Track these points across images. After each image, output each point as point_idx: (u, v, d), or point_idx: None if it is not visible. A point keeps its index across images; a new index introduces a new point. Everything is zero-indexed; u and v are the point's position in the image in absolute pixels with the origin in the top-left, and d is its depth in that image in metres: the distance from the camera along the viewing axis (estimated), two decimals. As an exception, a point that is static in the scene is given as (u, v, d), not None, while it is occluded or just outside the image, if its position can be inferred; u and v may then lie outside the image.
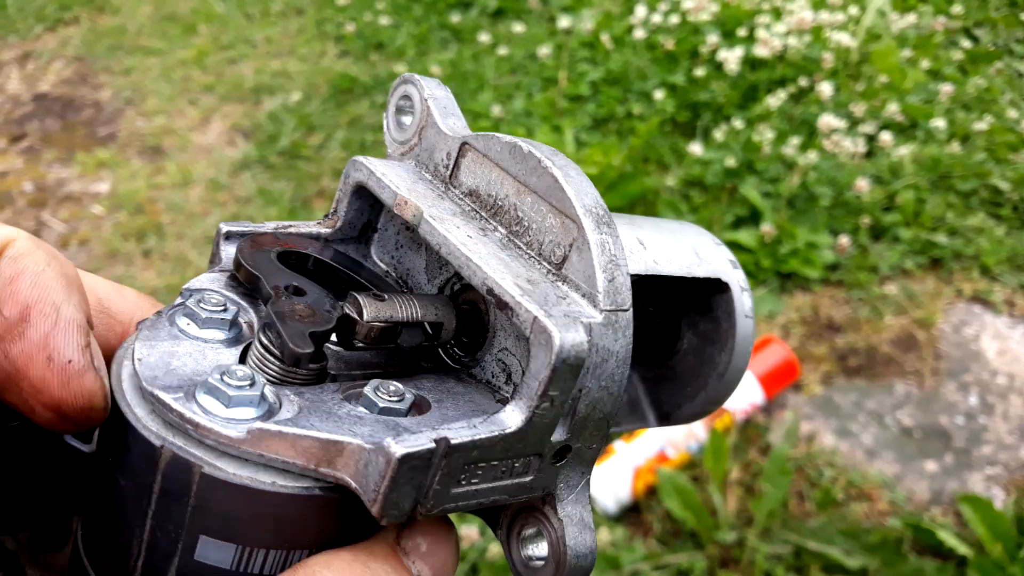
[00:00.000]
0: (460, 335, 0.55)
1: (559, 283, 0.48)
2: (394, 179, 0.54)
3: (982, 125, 3.16)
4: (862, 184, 2.88)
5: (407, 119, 0.59)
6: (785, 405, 2.37)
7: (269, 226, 0.57)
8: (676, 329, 0.60)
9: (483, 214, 0.54)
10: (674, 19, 3.81)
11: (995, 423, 2.31)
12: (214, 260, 0.56)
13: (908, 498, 2.15)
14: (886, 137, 3.10)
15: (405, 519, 0.43)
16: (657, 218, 0.62)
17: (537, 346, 0.43)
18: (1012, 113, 3.25)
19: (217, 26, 4.71)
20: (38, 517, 0.52)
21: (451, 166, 0.56)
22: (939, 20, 3.85)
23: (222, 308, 0.50)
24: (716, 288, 0.59)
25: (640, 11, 3.88)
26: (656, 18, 3.85)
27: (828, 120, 3.10)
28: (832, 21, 3.62)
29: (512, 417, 0.44)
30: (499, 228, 0.52)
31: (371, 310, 0.50)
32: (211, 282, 0.53)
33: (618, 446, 2.17)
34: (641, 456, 2.14)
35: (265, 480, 0.43)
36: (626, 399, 0.60)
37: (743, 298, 0.59)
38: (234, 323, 0.50)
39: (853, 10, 3.77)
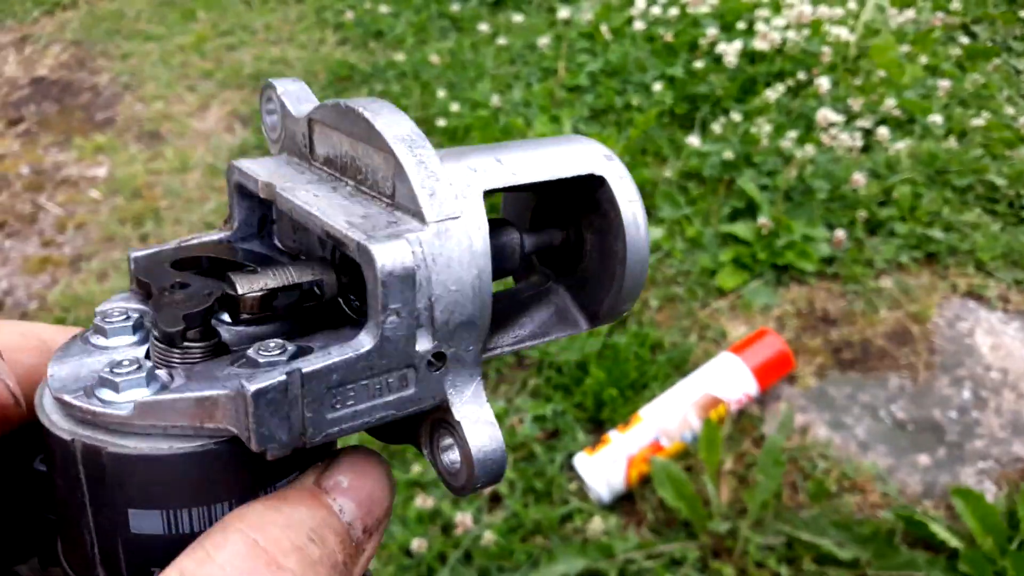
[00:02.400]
0: (353, 288, 0.58)
1: (394, 211, 0.51)
2: (257, 169, 0.59)
3: (979, 121, 3.17)
4: (859, 178, 2.89)
5: (272, 118, 0.64)
6: (779, 397, 2.38)
7: (172, 243, 0.61)
8: (578, 234, 0.63)
9: (337, 175, 0.58)
10: (673, 11, 3.81)
11: (988, 418, 2.32)
12: (132, 282, 0.60)
13: (900, 491, 2.16)
14: (883, 132, 3.11)
15: (290, 450, 0.46)
16: (536, 139, 0.65)
17: (365, 266, 0.46)
18: (1009, 110, 3.26)
19: (216, 12, 4.70)
20: (34, 542, 0.58)
21: (307, 143, 0.61)
22: (937, 16, 3.86)
23: (124, 317, 0.54)
24: (597, 183, 0.61)
25: (639, 3, 3.88)
26: (655, 10, 3.85)
27: (826, 114, 3.10)
28: (831, 15, 3.62)
29: (365, 338, 0.48)
30: (348, 182, 0.56)
31: (244, 284, 0.53)
32: (118, 301, 0.58)
33: (612, 435, 2.18)
34: (635, 445, 2.15)
35: (163, 447, 0.47)
36: (554, 309, 0.64)
37: (622, 185, 0.61)
38: (138, 326, 0.54)
39: (852, 5, 3.77)
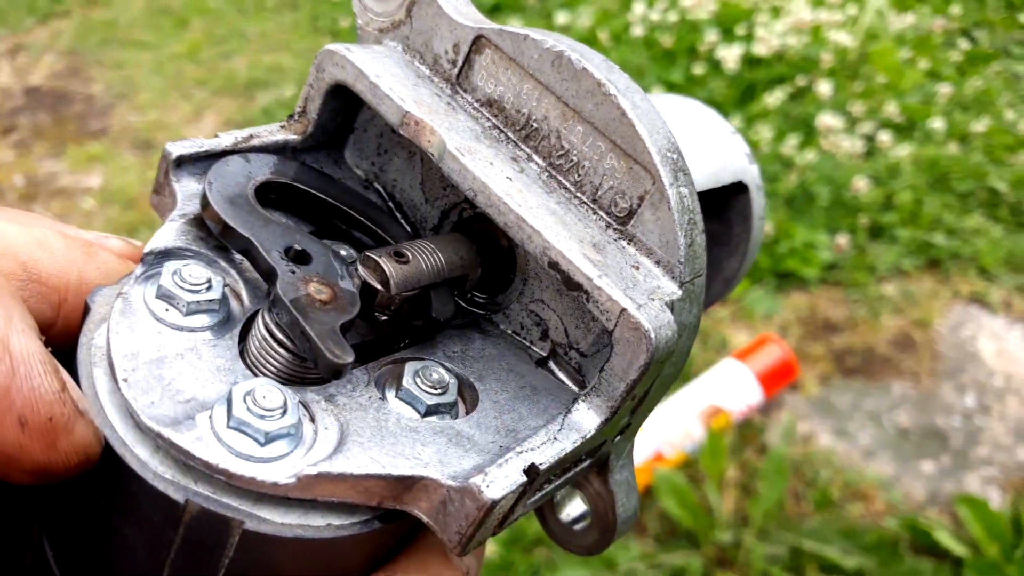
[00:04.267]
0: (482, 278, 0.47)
1: (626, 244, 0.40)
2: (393, 85, 0.42)
3: (980, 126, 3.15)
4: (860, 184, 2.87)
5: None
6: (782, 405, 2.36)
7: (226, 140, 0.45)
8: None
9: (509, 134, 0.43)
10: (672, 16, 3.80)
11: (992, 424, 2.30)
12: (162, 192, 0.44)
13: (905, 498, 2.14)
14: (884, 137, 3.09)
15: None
16: (665, 101, 0.53)
17: (625, 344, 0.37)
18: (1010, 115, 3.25)
19: (210, 20, 4.68)
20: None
21: (459, 63, 0.44)
22: (937, 21, 3.85)
23: (206, 285, 0.39)
24: (733, 189, 0.52)
25: (638, 8, 3.87)
26: (654, 15, 3.84)
27: (826, 119, 3.09)
28: (831, 20, 3.61)
29: (589, 419, 0.38)
30: (535, 157, 0.42)
31: (398, 277, 0.40)
32: (178, 239, 0.41)
33: (614, 445, 2.16)
34: (638, 456, 2.12)
35: (318, 524, 0.35)
36: None
37: (759, 198, 0.52)
38: (222, 301, 0.40)
39: (852, 10, 3.76)
